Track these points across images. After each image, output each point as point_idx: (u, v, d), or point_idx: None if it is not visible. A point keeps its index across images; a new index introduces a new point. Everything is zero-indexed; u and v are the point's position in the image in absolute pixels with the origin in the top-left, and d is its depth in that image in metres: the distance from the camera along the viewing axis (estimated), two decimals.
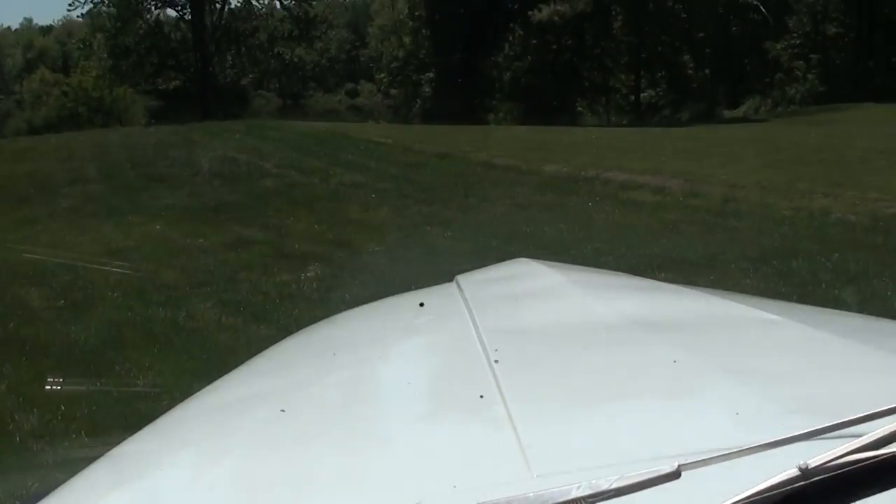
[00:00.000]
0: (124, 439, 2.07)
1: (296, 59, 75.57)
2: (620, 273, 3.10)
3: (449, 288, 2.60)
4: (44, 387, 9.21)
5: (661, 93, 66.66)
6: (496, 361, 1.81)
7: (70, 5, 66.00)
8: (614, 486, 1.16)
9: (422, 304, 2.39)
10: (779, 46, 61.47)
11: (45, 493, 1.92)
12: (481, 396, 1.70)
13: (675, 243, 14.28)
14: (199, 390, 2.41)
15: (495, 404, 1.63)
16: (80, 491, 1.90)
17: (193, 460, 1.88)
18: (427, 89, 71.03)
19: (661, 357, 1.83)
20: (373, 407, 1.90)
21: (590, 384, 1.76)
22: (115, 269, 15.13)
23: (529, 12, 63.44)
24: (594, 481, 1.16)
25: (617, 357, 1.89)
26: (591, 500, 1.15)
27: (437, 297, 2.62)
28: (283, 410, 1.85)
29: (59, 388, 9.12)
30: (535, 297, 2.35)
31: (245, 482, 1.65)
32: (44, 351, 10.73)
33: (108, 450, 2.05)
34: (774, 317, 2.12)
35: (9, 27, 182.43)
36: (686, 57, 65.74)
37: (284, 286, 13.24)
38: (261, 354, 2.59)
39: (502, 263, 2.77)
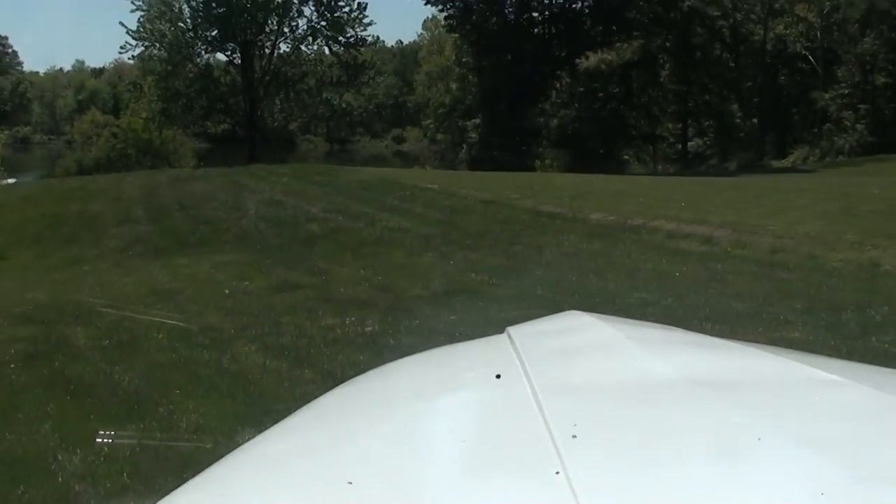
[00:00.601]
0: (168, 491, 2.05)
1: (343, 105, 75.89)
2: (673, 327, 3.03)
3: (500, 340, 2.55)
4: (87, 427, 9.23)
5: (708, 142, 66.50)
6: (552, 421, 1.76)
7: (121, 48, 66.53)
8: None
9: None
10: (827, 96, 61.10)
11: None
12: (539, 459, 1.63)
13: (722, 294, 14.17)
14: (242, 435, 2.39)
15: (553, 468, 1.56)
16: None
17: None
18: (473, 135, 71.15)
19: (721, 418, 1.78)
20: (424, 464, 1.83)
21: (652, 446, 1.68)
22: (160, 311, 15.18)
23: (577, 60, 63.57)
24: None
25: (677, 417, 1.83)
26: None
27: (489, 349, 2.58)
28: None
29: (102, 428, 9.12)
30: (589, 352, 2.30)
31: None
32: (88, 391, 10.74)
33: (150, 491, 2.03)
34: (835, 377, 2.06)
35: (61, 69, 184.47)
36: (734, 106, 65.61)
37: (329, 331, 13.20)
38: (308, 405, 2.56)
39: (554, 316, 2.72)
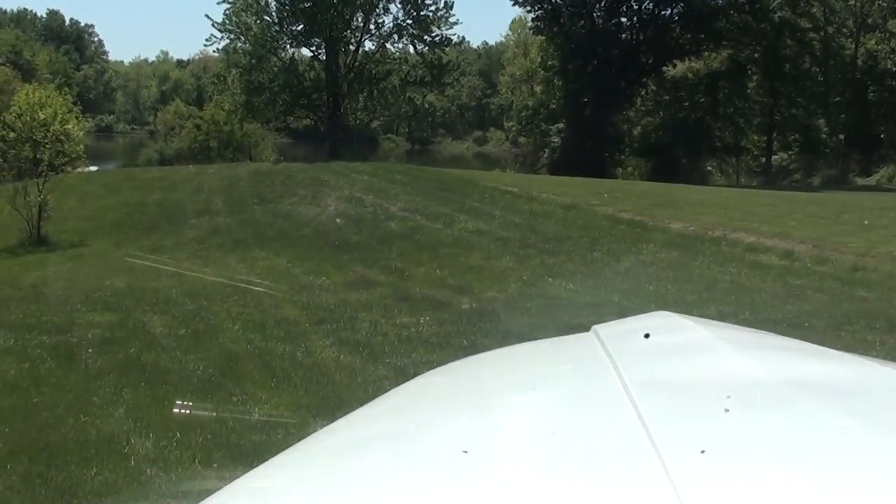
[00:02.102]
0: (240, 474, 2.03)
1: (426, 105, 75.93)
2: (764, 331, 2.97)
3: (587, 338, 2.51)
4: (160, 412, 9.29)
5: (792, 156, 65.73)
6: (647, 416, 1.72)
7: (207, 40, 66.97)
8: None
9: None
10: None
11: None
12: (636, 455, 1.59)
13: (800, 309, 14.00)
14: (314, 427, 2.37)
15: (651, 463, 1.52)
16: None
17: (307, 502, 1.81)
18: (556, 140, 70.83)
19: (824, 422, 1.74)
20: (510, 457, 1.77)
21: (751, 445, 1.65)
22: (235, 301, 15.28)
23: (663, 67, 63.24)
24: None
25: (776, 419, 1.78)
26: None
27: (575, 346, 2.54)
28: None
29: (175, 414, 9.18)
30: (680, 351, 2.24)
31: None
32: (163, 377, 10.83)
33: (221, 480, 2.01)
34: None
35: (146, 59, 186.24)
36: (820, 121, 64.87)
37: (403, 328, 13.22)
38: (388, 394, 2.54)
39: (642, 315, 2.67)
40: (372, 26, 65.93)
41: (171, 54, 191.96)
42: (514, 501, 1.54)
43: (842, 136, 64.49)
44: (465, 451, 1.76)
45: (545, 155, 71.27)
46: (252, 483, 2.02)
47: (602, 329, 2.51)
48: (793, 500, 1.42)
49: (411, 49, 67.06)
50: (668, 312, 2.62)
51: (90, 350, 12.08)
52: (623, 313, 2.83)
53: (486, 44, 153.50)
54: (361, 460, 1.94)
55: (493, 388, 2.34)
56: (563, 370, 2.34)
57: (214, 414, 9.20)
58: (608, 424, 1.82)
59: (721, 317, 13.21)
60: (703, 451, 1.59)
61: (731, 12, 63.59)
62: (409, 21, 64.71)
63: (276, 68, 63.70)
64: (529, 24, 78.85)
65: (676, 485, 1.42)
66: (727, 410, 1.81)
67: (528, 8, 71.90)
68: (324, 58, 64.86)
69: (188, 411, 9.38)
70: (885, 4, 61.50)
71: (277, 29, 63.41)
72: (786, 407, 1.83)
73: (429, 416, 2.23)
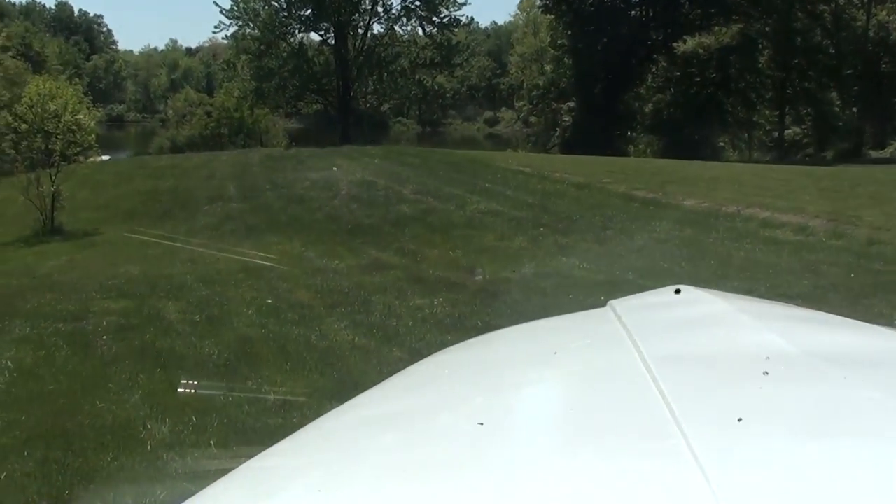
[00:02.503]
0: (256, 453, 2.03)
1: (436, 87, 75.80)
2: (783, 303, 2.94)
3: (604, 313, 2.48)
4: (176, 397, 9.31)
5: (805, 130, 65.41)
6: (667, 389, 1.70)
7: (215, 28, 67.19)
8: None
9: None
10: None
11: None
12: (656, 426, 1.58)
13: (815, 284, 13.97)
14: (329, 409, 2.36)
15: (673, 437, 1.50)
16: None
17: (324, 479, 1.78)
18: (567, 118, 70.77)
19: (853, 394, 1.72)
20: (528, 433, 1.78)
21: (777, 419, 1.62)
22: (249, 286, 15.30)
23: (674, 44, 63.08)
24: None
25: (802, 391, 1.76)
26: None
27: (592, 321, 2.52)
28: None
29: (190, 399, 9.20)
30: (700, 325, 2.20)
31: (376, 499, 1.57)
32: (178, 363, 10.86)
33: (237, 463, 2.01)
34: None
35: (155, 48, 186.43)
36: (833, 94, 64.59)
37: (417, 310, 13.23)
38: (404, 371, 2.53)
39: (659, 289, 2.64)
40: (380, 9, 65.98)
41: (180, 42, 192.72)
42: (532, 477, 1.53)
43: (855, 109, 64.21)
44: (481, 423, 1.74)
45: (557, 134, 71.27)
46: (267, 462, 2.02)
47: (618, 304, 2.49)
48: (822, 472, 1.40)
49: (420, 31, 67.04)
50: (685, 286, 2.60)
51: (105, 337, 12.10)
52: (637, 291, 2.81)
53: (496, 24, 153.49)
54: (379, 437, 1.94)
55: (509, 364, 2.33)
56: (580, 345, 2.32)
57: (230, 398, 9.23)
58: (627, 398, 1.81)
59: (736, 292, 13.15)
60: (725, 421, 1.58)
61: None
62: (418, 2, 64.67)
63: (285, 54, 63.74)
64: (538, 2, 78.82)
65: (699, 457, 1.41)
66: (765, 374, 1.79)
67: None
68: (333, 42, 64.94)
69: (204, 396, 9.39)
70: None
71: (285, 14, 63.46)
72: (809, 377, 1.82)
73: (445, 392, 2.22)
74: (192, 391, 9.58)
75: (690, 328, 2.20)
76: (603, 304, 2.59)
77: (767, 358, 1.87)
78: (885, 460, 1.44)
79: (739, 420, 1.55)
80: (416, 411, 2.08)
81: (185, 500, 1.85)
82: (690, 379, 1.86)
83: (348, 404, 2.26)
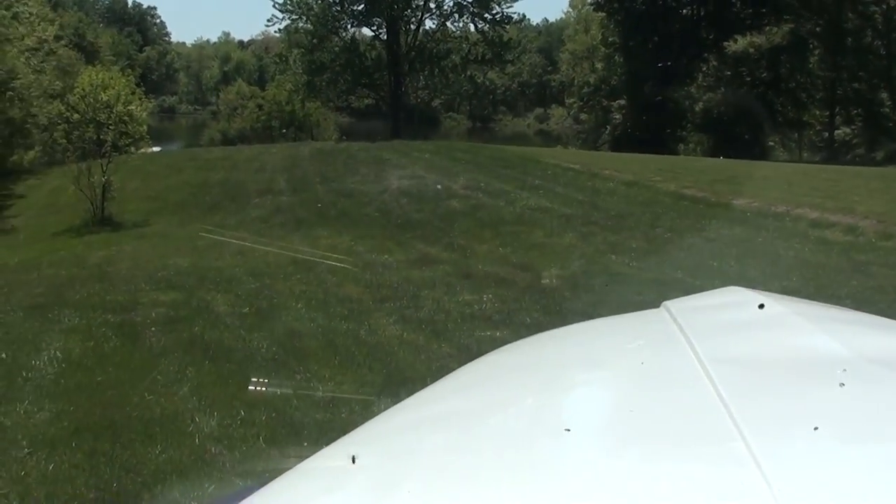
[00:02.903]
0: (304, 451, 2.02)
1: (487, 83, 75.89)
2: (838, 307, 2.92)
3: (658, 313, 2.46)
4: (224, 390, 9.33)
5: (855, 131, 64.85)
6: (725, 391, 1.68)
7: (268, 21, 67.79)
8: None
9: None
10: None
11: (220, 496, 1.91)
12: (716, 430, 1.56)
13: (865, 285, 13.85)
14: (378, 405, 2.37)
15: (733, 440, 1.49)
16: None
17: (380, 479, 1.78)
18: (617, 116, 70.68)
19: None
20: (587, 435, 1.75)
21: (837, 422, 1.61)
22: (298, 280, 15.32)
23: (724, 43, 62.72)
24: None
25: (861, 394, 1.74)
26: None
27: (646, 322, 2.50)
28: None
29: (239, 392, 9.21)
30: (756, 327, 2.19)
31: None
32: (227, 356, 10.88)
33: (285, 458, 2.03)
34: None
35: (207, 40, 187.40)
36: (883, 95, 64.03)
37: (466, 306, 13.19)
38: (458, 371, 2.51)
39: (713, 291, 2.62)
40: (433, 4, 66.13)
41: (232, 35, 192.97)
42: (587, 481, 1.51)
43: None
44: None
45: (607, 131, 71.16)
46: (324, 462, 2.01)
47: (673, 305, 2.47)
48: (883, 475, 1.38)
49: (472, 27, 67.12)
50: (739, 288, 2.58)
51: (154, 328, 12.16)
52: (687, 289, 2.78)
53: (547, 21, 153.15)
54: (432, 437, 1.94)
55: (563, 365, 2.31)
56: (634, 346, 2.29)
57: (278, 391, 9.23)
58: (686, 400, 1.79)
59: (785, 293, 13.02)
60: (785, 425, 1.55)
61: None
62: None
63: (337, 48, 63.97)
64: (589, 0, 78.60)
65: (759, 461, 1.38)
66: (807, 386, 1.77)
67: None
68: (385, 37, 65.13)
69: (252, 389, 9.40)
70: None
71: (338, 9, 63.69)
72: (867, 384, 1.79)
73: (500, 393, 2.20)
74: (240, 384, 9.58)
75: (745, 330, 2.18)
76: (654, 303, 2.57)
77: (822, 361, 1.85)
78: None
79: (816, 429, 1.53)
80: (470, 412, 2.06)
81: (238, 498, 1.85)
82: (749, 382, 1.84)
83: (402, 404, 2.25)
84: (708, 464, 1.50)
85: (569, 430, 1.74)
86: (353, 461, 1.79)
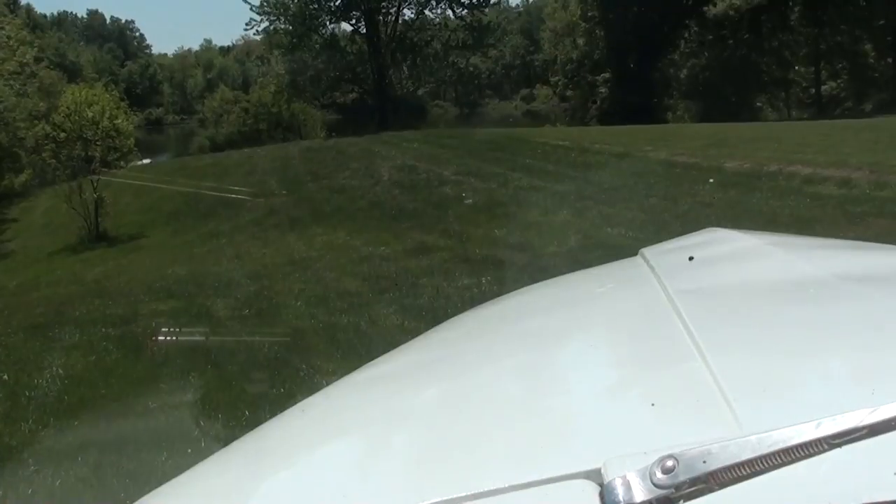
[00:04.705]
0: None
1: (471, 68, 75.89)
2: (817, 237, 2.95)
3: (634, 260, 2.49)
4: (228, 393, 9.33)
5: (842, 84, 64.94)
6: (690, 319, 1.70)
7: (247, 24, 67.52)
8: (865, 422, 1.08)
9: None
10: None
11: None
12: (676, 353, 1.59)
13: (863, 237, 13.78)
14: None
15: (692, 360, 1.51)
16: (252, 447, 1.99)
17: (372, 423, 1.83)
18: (603, 90, 70.83)
19: (882, 308, 1.71)
20: (555, 369, 1.82)
21: (802, 338, 1.64)
22: (297, 279, 15.33)
23: (704, 7, 62.81)
24: (839, 417, 1.09)
25: (834, 310, 1.75)
26: (836, 439, 1.08)
27: (621, 268, 2.56)
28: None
29: (242, 394, 9.21)
30: (729, 260, 2.23)
31: (419, 445, 1.62)
32: (229, 359, 10.86)
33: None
34: None
35: (189, 49, 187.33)
36: (867, 46, 64.05)
37: (466, 290, 13.19)
38: (436, 328, 2.57)
39: (690, 234, 2.64)
40: None
41: (213, 42, 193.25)
42: (551, 409, 1.58)
43: (890, 59, 63.63)
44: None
45: (594, 106, 71.21)
46: (323, 401, 2.15)
47: (649, 251, 2.49)
48: (850, 383, 1.42)
49: (450, 13, 66.95)
50: (716, 228, 2.59)
51: (155, 338, 12.14)
52: None
53: (526, 1, 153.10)
54: (418, 390, 2.00)
55: (535, 313, 2.38)
56: (606, 289, 2.33)
57: (282, 390, 9.24)
58: (649, 331, 1.84)
59: None
60: (749, 345, 1.61)
61: None
62: None
63: (317, 45, 63.91)
64: None
65: (718, 378, 1.41)
66: (775, 306, 1.78)
67: None
68: (364, 30, 64.99)
69: (255, 390, 9.40)
70: None
71: (315, 6, 63.52)
72: (839, 299, 1.81)
73: (475, 342, 2.28)
74: (244, 386, 9.58)
75: (718, 264, 2.24)
76: None
77: (795, 283, 1.89)
78: None
79: (775, 345, 1.58)
80: (450, 358, 2.17)
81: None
82: (714, 309, 1.89)
83: (382, 358, 2.32)
84: (666, 384, 1.53)
85: (535, 367, 1.85)
86: None
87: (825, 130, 28.60)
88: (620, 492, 1.17)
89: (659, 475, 1.16)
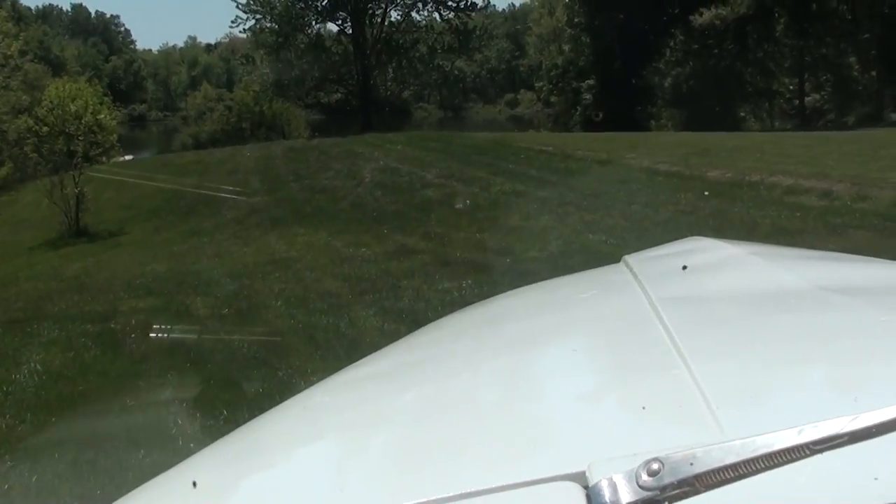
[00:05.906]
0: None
1: (456, 71, 76.01)
2: (799, 248, 2.99)
3: (617, 267, 2.51)
4: (206, 393, 9.32)
5: (825, 96, 65.07)
6: (672, 326, 1.72)
7: (233, 22, 67.53)
8: (847, 429, 1.08)
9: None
10: None
11: None
12: (659, 359, 1.62)
13: (843, 248, 13.80)
14: None
15: (676, 368, 1.53)
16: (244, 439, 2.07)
17: (357, 424, 1.87)
18: (587, 97, 70.91)
19: (864, 318, 1.74)
20: (538, 373, 1.85)
21: (785, 346, 1.68)
22: (277, 278, 15.31)
23: (690, 17, 62.88)
24: (821, 424, 1.09)
25: (815, 319, 1.78)
26: (818, 445, 1.09)
27: (604, 274, 2.58)
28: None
29: (220, 393, 9.20)
30: (712, 269, 2.26)
31: (407, 447, 1.64)
32: (207, 358, 10.86)
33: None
34: None
35: (174, 46, 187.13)
36: (852, 59, 64.25)
37: (446, 293, 13.21)
38: (422, 330, 2.60)
39: (673, 242, 2.66)
40: None
41: (199, 39, 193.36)
42: (534, 413, 1.61)
43: (874, 73, 63.85)
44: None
45: (577, 113, 71.31)
46: (321, 395, 2.22)
47: (632, 258, 2.51)
48: (827, 391, 1.48)
49: (437, 16, 67.01)
50: (699, 237, 2.61)
51: (134, 335, 12.12)
52: None
53: (513, 6, 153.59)
54: (406, 391, 2.02)
55: (519, 318, 2.40)
56: (588, 295, 2.35)
57: (261, 389, 9.24)
58: (632, 337, 1.85)
59: None
60: (730, 352, 1.66)
61: None
62: None
63: (302, 45, 63.92)
64: None
65: (700, 384, 1.44)
66: (756, 316, 1.80)
67: None
68: (350, 31, 65.03)
69: (234, 389, 9.39)
70: None
71: (302, 5, 63.55)
72: (819, 310, 1.84)
73: (458, 344, 2.33)
74: (222, 385, 9.57)
75: (701, 272, 2.25)
76: None
77: (777, 293, 1.91)
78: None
79: (756, 352, 1.62)
80: (434, 359, 2.21)
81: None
82: (696, 317, 1.93)
83: (375, 356, 2.35)
84: (651, 390, 1.56)
85: (517, 371, 1.88)
86: None
87: (808, 142, 28.71)
88: (607, 493, 1.19)
89: (645, 477, 1.17)
